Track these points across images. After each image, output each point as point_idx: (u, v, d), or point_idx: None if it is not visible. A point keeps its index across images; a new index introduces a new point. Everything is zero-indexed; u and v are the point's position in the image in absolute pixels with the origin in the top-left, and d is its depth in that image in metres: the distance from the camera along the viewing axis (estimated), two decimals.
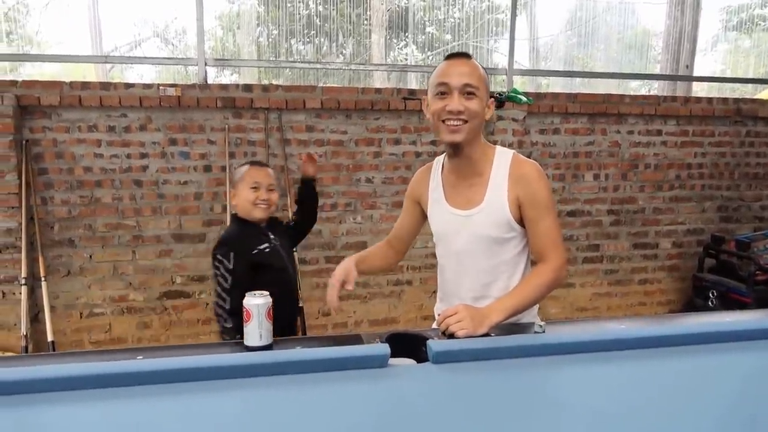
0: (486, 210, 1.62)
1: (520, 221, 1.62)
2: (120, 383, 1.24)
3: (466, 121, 1.55)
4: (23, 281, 3.29)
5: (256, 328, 1.40)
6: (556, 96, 4.19)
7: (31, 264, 3.40)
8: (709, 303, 4.06)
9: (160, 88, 3.54)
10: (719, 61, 5.36)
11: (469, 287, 1.72)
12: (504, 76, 4.28)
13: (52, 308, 3.51)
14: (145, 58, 4.01)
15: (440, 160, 1.79)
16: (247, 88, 3.69)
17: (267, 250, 2.08)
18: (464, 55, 1.61)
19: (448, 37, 4.50)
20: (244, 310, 1.40)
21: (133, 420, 1.11)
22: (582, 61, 4.93)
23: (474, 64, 1.59)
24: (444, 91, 1.56)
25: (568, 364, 1.37)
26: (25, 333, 3.21)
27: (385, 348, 1.37)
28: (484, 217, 1.63)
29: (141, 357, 1.36)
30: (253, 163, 2.18)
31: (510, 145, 3.97)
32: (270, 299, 1.42)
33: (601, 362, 1.38)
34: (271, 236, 2.13)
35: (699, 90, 4.91)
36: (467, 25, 4.46)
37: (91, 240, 3.59)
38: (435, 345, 1.39)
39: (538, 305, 1.78)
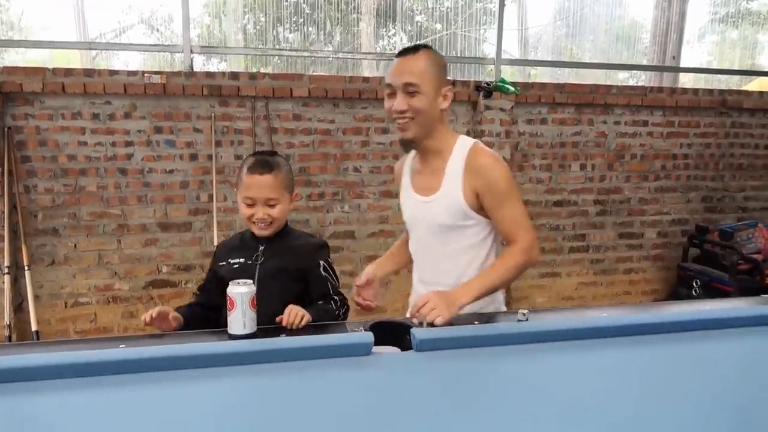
0: (441, 198, 1.66)
1: (479, 210, 1.64)
2: (103, 372, 1.24)
3: (412, 118, 1.58)
4: (6, 270, 3.26)
5: (240, 317, 1.40)
6: (543, 86, 4.20)
7: (15, 253, 3.36)
8: (693, 292, 4.11)
9: (145, 75, 3.49)
10: (706, 52, 5.40)
11: (430, 273, 1.77)
12: (492, 66, 4.27)
13: (37, 297, 3.48)
14: (131, 44, 3.96)
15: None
16: (234, 76, 3.65)
17: (236, 266, 1.70)
18: (411, 51, 1.60)
19: (438, 26, 4.48)
20: (228, 298, 1.40)
21: (116, 408, 1.11)
22: (570, 52, 4.94)
23: (418, 60, 1.58)
24: (390, 91, 1.60)
25: (551, 351, 1.39)
26: (8, 322, 3.19)
27: (368, 336, 1.37)
28: (440, 205, 1.67)
29: (123, 345, 1.35)
30: (253, 165, 1.69)
31: (497, 135, 3.99)
32: (254, 288, 1.42)
33: (584, 350, 1.40)
34: (260, 250, 1.71)
35: (686, 81, 4.95)
36: (456, 15, 4.45)
37: (76, 229, 3.55)
38: (419, 333, 1.40)
39: (503, 294, 1.83)
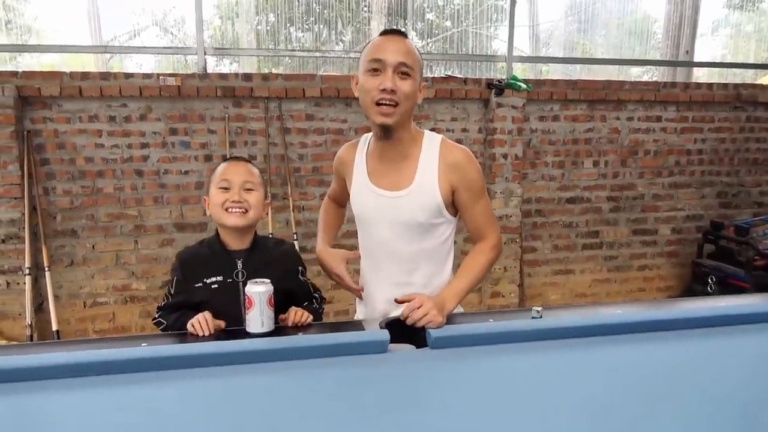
0: (415, 192, 1.56)
1: (450, 207, 1.60)
2: (125, 370, 1.27)
3: (397, 104, 1.47)
4: (27, 271, 3.32)
5: (258, 315, 1.42)
6: (555, 83, 4.19)
7: (35, 254, 3.43)
8: (708, 289, 4.08)
9: (160, 77, 3.54)
10: (720, 46, 5.34)
11: (389, 273, 1.66)
12: (503, 64, 4.26)
13: (57, 298, 3.54)
14: (144, 47, 4.01)
15: (367, 137, 1.69)
16: (247, 77, 3.69)
17: (215, 286, 1.56)
18: (399, 33, 1.52)
19: (448, 23, 4.47)
20: (246, 297, 1.42)
21: (138, 405, 1.14)
22: (583, 47, 4.91)
23: (410, 44, 1.51)
24: (377, 68, 1.46)
25: (565, 348, 1.40)
26: (29, 322, 3.25)
27: (384, 334, 1.40)
28: (412, 200, 1.57)
29: (145, 344, 1.38)
30: (229, 159, 1.68)
31: (509, 133, 3.99)
32: (272, 287, 1.44)
33: (598, 347, 1.41)
34: (239, 267, 1.58)
35: (700, 75, 4.90)
36: (467, 12, 4.44)
37: (94, 230, 3.61)
38: (434, 330, 1.41)
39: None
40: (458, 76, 4.09)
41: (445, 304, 1.49)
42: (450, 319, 1.53)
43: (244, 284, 1.47)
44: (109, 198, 3.61)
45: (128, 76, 3.54)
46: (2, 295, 3.40)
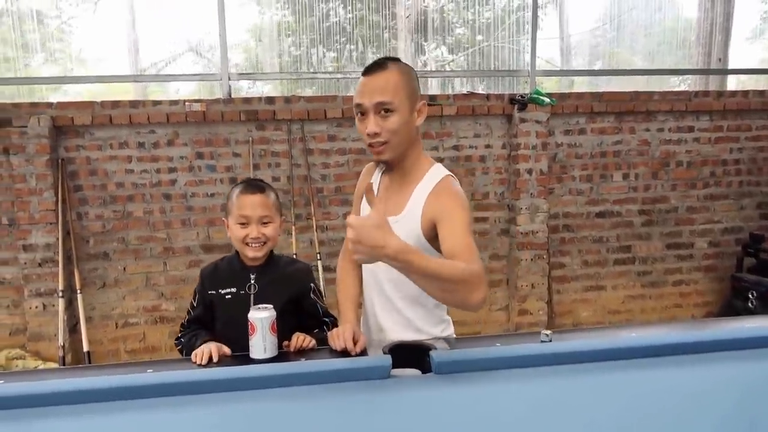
0: (402, 222, 1.52)
1: (434, 241, 1.49)
2: (128, 396, 1.29)
3: (386, 142, 1.46)
4: (60, 294, 3.43)
5: (261, 341, 1.43)
6: (581, 95, 4.12)
7: (68, 277, 3.54)
8: (749, 304, 3.90)
9: (186, 104, 3.64)
10: (758, 51, 5.16)
11: (378, 299, 1.63)
12: (529, 78, 4.23)
13: (90, 319, 3.65)
14: (169, 75, 4.14)
15: None
16: (270, 100, 3.76)
17: (228, 296, 1.67)
18: (378, 66, 1.47)
19: (480, 37, 4.45)
20: (249, 323, 1.43)
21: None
22: (616, 57, 4.81)
23: (389, 75, 1.45)
24: (361, 111, 1.47)
25: (576, 374, 1.35)
26: (62, 343, 3.35)
27: (386, 359, 1.38)
28: (399, 229, 1.47)
29: (151, 370, 1.41)
30: (244, 187, 1.70)
31: (534, 148, 3.93)
32: (274, 312, 1.45)
33: (611, 372, 1.35)
34: (251, 281, 1.68)
35: (738, 83, 4.74)
36: (496, 25, 4.40)
37: (125, 253, 3.72)
38: (437, 356, 1.39)
39: (449, 320, 1.69)
40: (480, 92, 4.07)
41: (385, 252, 1.15)
42: (455, 343, 1.50)
43: (255, 296, 1.61)
44: (138, 221, 3.71)
45: (156, 103, 3.66)
46: (38, 317, 3.53)
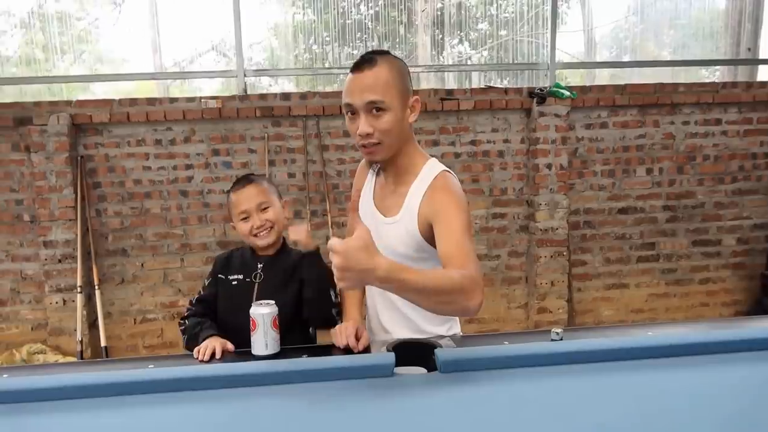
0: (398, 223, 1.49)
1: (432, 241, 1.42)
2: (129, 392, 1.28)
3: (379, 142, 1.40)
4: (79, 289, 3.48)
5: (262, 338, 1.40)
6: (602, 88, 4.01)
7: (87, 273, 3.59)
8: None
9: (202, 100, 3.65)
10: None
11: (380, 299, 1.60)
12: (547, 71, 4.13)
13: (109, 314, 3.70)
14: (187, 72, 4.15)
15: None
16: (285, 96, 3.75)
17: (234, 282, 1.70)
18: (366, 62, 1.39)
19: (503, 32, 4.37)
20: (250, 319, 1.41)
21: (138, 428, 1.13)
22: (642, 50, 4.67)
23: (379, 71, 1.37)
24: (352, 111, 1.41)
25: (588, 374, 1.30)
26: (80, 339, 3.40)
27: (390, 357, 1.34)
28: (396, 231, 1.49)
29: (152, 366, 1.39)
30: (235, 185, 1.74)
31: (553, 142, 3.85)
32: (276, 308, 1.42)
33: (623, 372, 1.29)
34: (259, 269, 1.70)
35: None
36: (517, 19, 4.31)
37: (143, 249, 3.75)
38: (443, 354, 1.35)
39: (456, 319, 1.62)
40: (498, 86, 4.00)
41: (374, 276, 1.08)
42: (462, 341, 1.46)
43: (260, 285, 1.64)
44: (156, 218, 3.74)
45: (173, 100, 3.68)
46: (59, 312, 3.58)
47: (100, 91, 4.13)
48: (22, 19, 3.91)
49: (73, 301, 3.53)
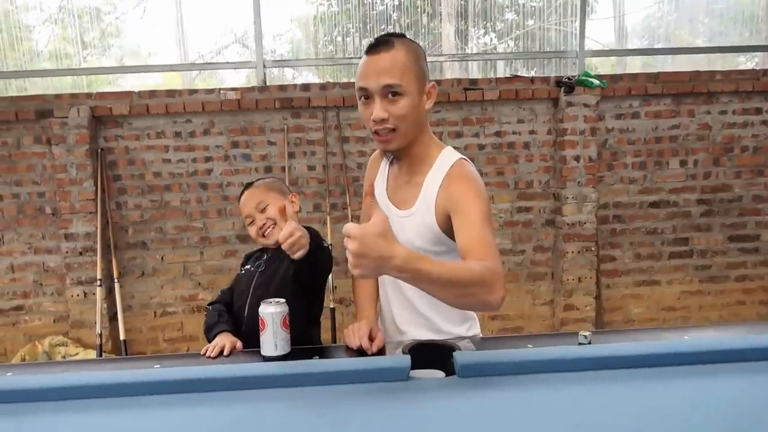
0: (414, 215, 1.42)
1: (451, 233, 1.36)
2: (134, 393, 1.23)
3: (394, 128, 1.33)
4: (99, 282, 3.48)
5: (271, 338, 1.34)
6: (634, 77, 3.85)
7: (107, 266, 3.59)
8: None
9: (221, 92, 3.61)
10: None
11: (394, 296, 1.53)
12: (575, 59, 3.98)
13: (129, 307, 3.70)
14: (207, 64, 4.12)
15: None
16: (305, 87, 3.69)
17: (242, 272, 1.79)
18: (382, 44, 1.32)
19: (530, 22, 4.23)
20: (259, 318, 1.35)
21: (146, 429, 1.09)
22: (675, 37, 4.47)
23: (394, 53, 1.30)
24: (366, 95, 1.34)
25: (617, 380, 1.20)
26: (99, 332, 3.40)
27: (405, 360, 1.27)
28: (413, 223, 1.42)
29: (158, 366, 1.34)
30: (242, 192, 1.78)
31: (582, 133, 3.70)
32: (286, 307, 1.36)
33: (656, 379, 1.20)
34: (264, 257, 1.75)
35: None
36: (546, 7, 4.16)
37: (163, 242, 3.74)
38: (461, 357, 1.27)
39: (475, 318, 1.55)
40: (524, 75, 3.86)
41: (390, 265, 1.02)
42: (482, 343, 1.37)
43: (260, 274, 1.70)
44: (176, 211, 3.72)
45: (192, 92, 3.65)
46: (80, 305, 3.59)
47: (127, 86, 4.13)
48: (52, 14, 3.93)
49: (94, 293, 3.54)
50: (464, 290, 1.12)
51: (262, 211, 1.69)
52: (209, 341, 1.55)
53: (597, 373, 1.23)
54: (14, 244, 3.68)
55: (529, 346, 1.35)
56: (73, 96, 3.59)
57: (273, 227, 1.66)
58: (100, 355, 3.38)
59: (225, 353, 1.44)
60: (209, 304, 1.77)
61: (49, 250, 3.68)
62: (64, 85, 3.93)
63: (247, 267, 1.78)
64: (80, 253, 3.57)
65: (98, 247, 3.50)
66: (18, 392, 1.21)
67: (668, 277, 3.99)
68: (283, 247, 1.33)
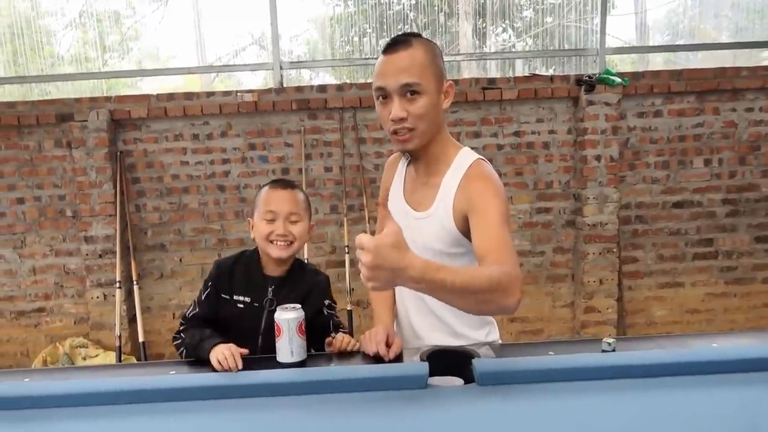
0: (432, 217, 1.40)
1: (469, 235, 1.33)
2: (150, 399, 1.22)
3: (413, 128, 1.31)
4: (118, 284, 3.51)
5: (287, 344, 1.32)
6: (656, 74, 3.77)
7: (127, 268, 3.62)
8: None
9: (238, 94, 3.62)
10: None
11: (411, 301, 1.51)
12: (596, 57, 3.91)
13: (148, 309, 3.73)
14: (224, 66, 4.14)
15: None
16: (321, 88, 3.67)
17: (241, 306, 1.55)
18: (400, 43, 1.31)
19: (549, 19, 4.17)
20: (275, 324, 1.33)
21: None
22: (699, 33, 4.37)
23: (412, 52, 1.29)
24: (384, 95, 1.32)
25: (643, 389, 1.17)
26: (118, 334, 3.42)
27: (423, 367, 1.24)
28: (430, 226, 1.40)
29: (173, 372, 1.33)
30: (274, 183, 1.61)
31: (603, 132, 3.64)
32: (302, 313, 1.34)
33: (683, 389, 1.16)
34: (270, 295, 1.55)
35: None
36: (565, 4, 4.09)
37: (181, 244, 3.76)
38: (481, 364, 1.23)
39: (494, 322, 1.52)
40: (543, 74, 3.81)
41: (405, 277, 1.00)
42: (502, 349, 1.34)
43: (271, 312, 1.39)
44: (194, 213, 3.74)
45: (209, 94, 3.66)
46: (99, 307, 3.63)
47: (147, 89, 4.17)
48: (73, 18, 3.98)
49: (113, 295, 3.56)
50: (482, 297, 1.10)
51: (292, 222, 1.54)
52: (199, 357, 1.39)
53: (621, 382, 1.20)
54: (36, 246, 3.72)
55: (551, 353, 1.31)
56: (93, 99, 3.63)
57: (289, 245, 1.54)
58: (120, 357, 3.40)
59: (239, 365, 1.31)
60: (177, 333, 1.55)
61: (69, 253, 3.72)
62: (85, 89, 3.97)
63: (245, 300, 1.55)
64: (100, 256, 3.60)
65: (117, 249, 3.53)
66: (32, 398, 1.21)
67: (692, 279, 3.90)
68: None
